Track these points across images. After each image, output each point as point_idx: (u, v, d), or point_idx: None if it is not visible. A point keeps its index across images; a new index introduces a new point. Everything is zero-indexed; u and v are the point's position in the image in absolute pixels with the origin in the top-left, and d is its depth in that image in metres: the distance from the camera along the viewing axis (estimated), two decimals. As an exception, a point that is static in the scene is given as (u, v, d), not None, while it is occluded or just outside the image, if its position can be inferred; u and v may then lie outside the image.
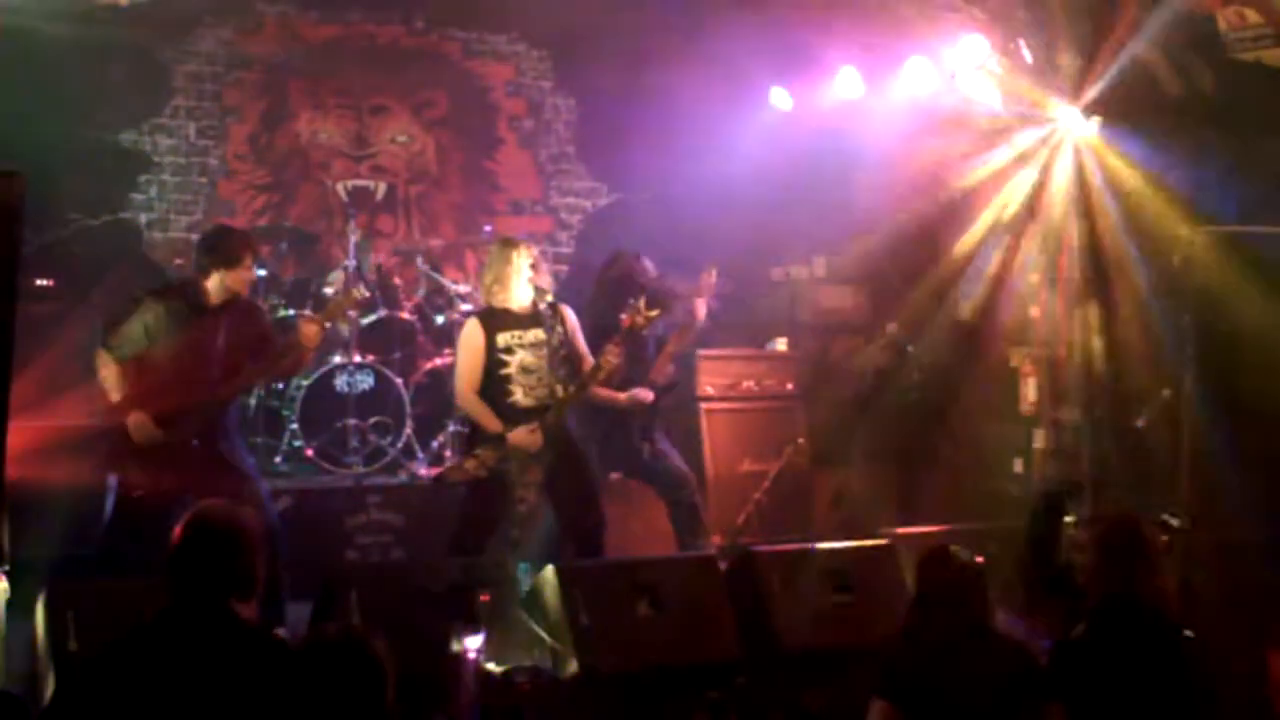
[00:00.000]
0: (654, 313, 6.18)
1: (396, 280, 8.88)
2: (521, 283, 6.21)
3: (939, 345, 8.47)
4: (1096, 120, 7.49)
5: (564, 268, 9.96)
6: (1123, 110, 7.31)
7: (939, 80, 7.99)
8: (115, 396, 5.75)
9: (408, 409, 8.03)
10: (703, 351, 8.29)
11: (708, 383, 8.32)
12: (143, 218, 9.12)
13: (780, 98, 8.86)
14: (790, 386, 8.60)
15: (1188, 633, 4.18)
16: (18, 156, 5.51)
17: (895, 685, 4.07)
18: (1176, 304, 6.58)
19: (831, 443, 8.47)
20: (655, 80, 8.88)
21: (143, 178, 9.15)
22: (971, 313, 8.34)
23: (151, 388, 5.71)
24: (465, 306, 8.35)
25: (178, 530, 3.63)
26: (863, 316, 9.19)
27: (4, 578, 5.28)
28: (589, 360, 6.23)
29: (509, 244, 6.35)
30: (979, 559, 4.37)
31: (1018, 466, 8.10)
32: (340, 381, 7.97)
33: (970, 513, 7.44)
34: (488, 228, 9.25)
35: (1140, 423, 7.01)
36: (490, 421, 6.09)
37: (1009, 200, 8.08)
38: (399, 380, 8.05)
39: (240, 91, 9.40)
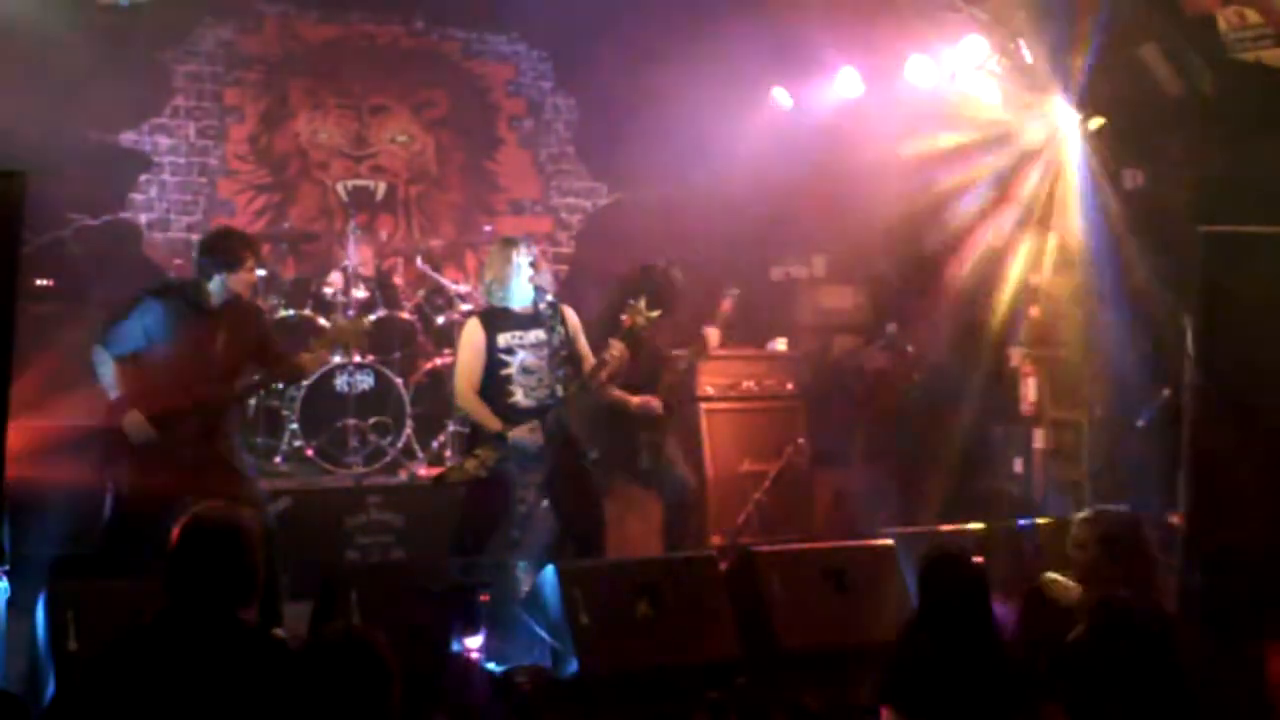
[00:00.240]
0: (655, 313, 6.18)
1: (396, 280, 8.88)
2: (522, 282, 6.19)
3: (939, 345, 8.47)
4: (1097, 120, 7.49)
5: (564, 268, 9.97)
6: (1123, 110, 7.31)
7: (939, 80, 7.99)
8: (113, 395, 5.73)
9: (408, 409, 8.03)
10: (703, 352, 8.30)
11: (708, 383, 8.30)
12: (143, 218, 9.12)
13: (780, 97, 8.86)
14: (790, 386, 8.59)
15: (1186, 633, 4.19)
16: (18, 157, 5.49)
17: (900, 691, 4.07)
18: (1176, 304, 6.57)
19: (831, 443, 8.47)
20: (655, 80, 8.86)
21: (143, 178, 9.15)
22: (971, 310, 8.35)
23: (149, 387, 5.68)
24: (465, 306, 8.35)
25: (175, 531, 3.62)
26: (863, 316, 9.20)
27: (4, 578, 5.27)
28: (591, 361, 6.22)
29: (509, 243, 6.33)
30: (979, 559, 4.37)
31: (1018, 466, 8.11)
32: (340, 381, 7.95)
33: (970, 513, 7.44)
34: (488, 228, 9.25)
35: (1140, 423, 7.02)
36: (490, 421, 6.07)
37: (1009, 200, 8.08)
38: (399, 380, 8.04)
39: (240, 91, 9.41)
